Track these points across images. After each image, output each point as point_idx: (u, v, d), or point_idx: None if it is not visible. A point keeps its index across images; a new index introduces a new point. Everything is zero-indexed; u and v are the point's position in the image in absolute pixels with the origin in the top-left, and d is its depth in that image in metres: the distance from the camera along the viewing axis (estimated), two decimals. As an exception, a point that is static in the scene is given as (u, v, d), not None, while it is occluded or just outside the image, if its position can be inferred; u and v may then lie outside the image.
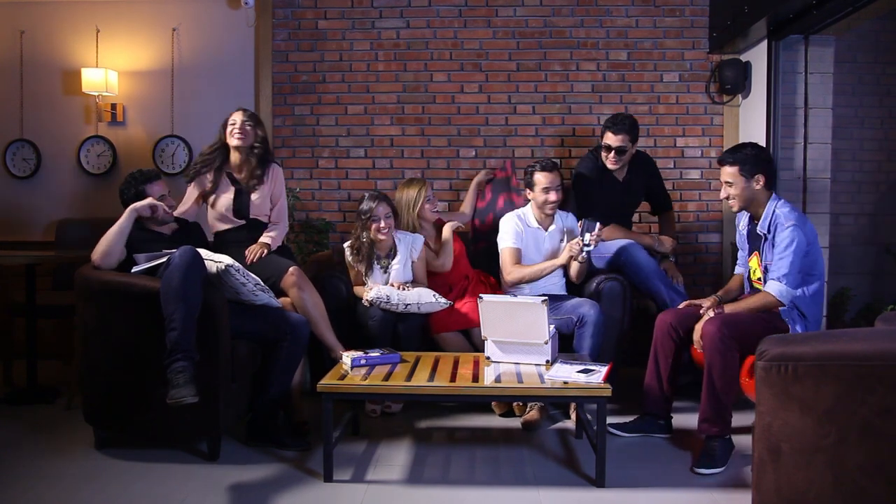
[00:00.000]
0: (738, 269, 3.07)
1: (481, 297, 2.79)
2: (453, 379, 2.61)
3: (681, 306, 2.99)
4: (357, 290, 3.39)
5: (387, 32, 4.26)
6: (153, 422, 2.70)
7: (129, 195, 2.93)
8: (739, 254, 3.05)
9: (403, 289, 3.25)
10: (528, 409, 3.12)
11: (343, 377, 2.64)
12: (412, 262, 3.38)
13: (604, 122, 3.58)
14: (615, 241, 3.48)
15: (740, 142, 3.27)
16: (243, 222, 3.20)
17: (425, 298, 3.23)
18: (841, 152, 3.89)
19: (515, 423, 3.15)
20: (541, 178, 3.32)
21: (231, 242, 3.17)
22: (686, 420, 3.05)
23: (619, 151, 3.48)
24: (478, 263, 3.68)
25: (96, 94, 4.23)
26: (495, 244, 3.46)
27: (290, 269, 3.01)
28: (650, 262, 3.41)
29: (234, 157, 3.21)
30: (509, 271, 3.34)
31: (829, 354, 1.79)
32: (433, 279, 3.46)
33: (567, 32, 4.24)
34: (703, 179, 4.24)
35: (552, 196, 3.31)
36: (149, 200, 2.88)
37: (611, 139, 3.48)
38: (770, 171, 2.80)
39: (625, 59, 4.23)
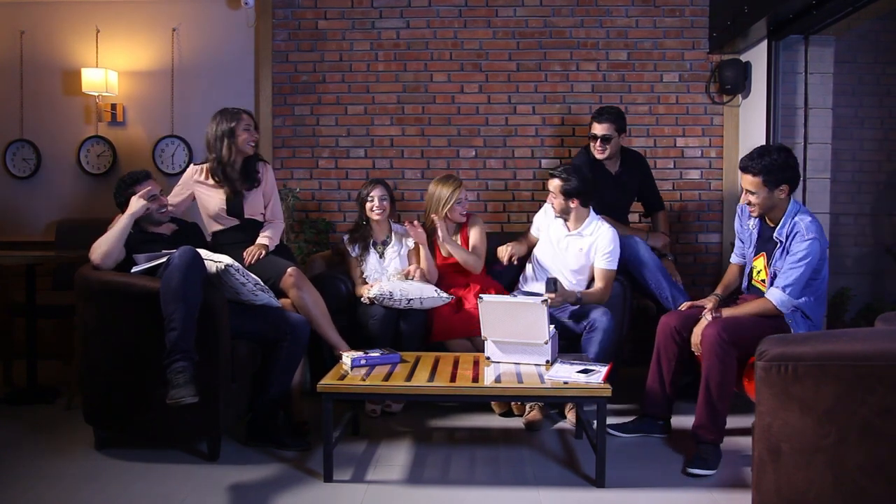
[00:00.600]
0: (735, 259, 3.03)
1: (481, 298, 2.80)
2: (453, 379, 2.61)
3: (683, 307, 2.98)
4: (358, 290, 3.40)
5: (387, 32, 4.26)
6: (153, 422, 2.70)
7: (122, 200, 2.93)
8: (739, 245, 3.00)
9: (409, 276, 3.33)
10: (528, 410, 3.12)
11: (343, 377, 2.64)
12: (407, 250, 3.49)
13: (592, 114, 3.66)
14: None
15: (763, 144, 3.09)
16: (238, 222, 3.20)
17: (427, 293, 3.25)
18: (841, 152, 3.89)
19: (515, 423, 3.15)
20: (550, 185, 3.31)
21: (228, 243, 3.16)
22: (686, 421, 3.04)
23: (605, 140, 3.56)
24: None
25: (96, 94, 4.23)
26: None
27: (289, 269, 3.01)
28: (653, 256, 3.42)
29: (235, 162, 3.20)
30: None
31: (829, 354, 1.79)
32: (452, 278, 3.48)
33: (567, 32, 4.24)
34: (703, 179, 4.24)
35: (551, 201, 3.29)
36: (142, 204, 2.87)
37: (596, 128, 3.57)
38: (795, 178, 2.70)
39: (625, 59, 4.23)
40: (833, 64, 3.65)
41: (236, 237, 3.19)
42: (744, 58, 4.07)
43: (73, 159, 4.37)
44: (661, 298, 3.38)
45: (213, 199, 3.18)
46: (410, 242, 3.49)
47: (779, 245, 2.73)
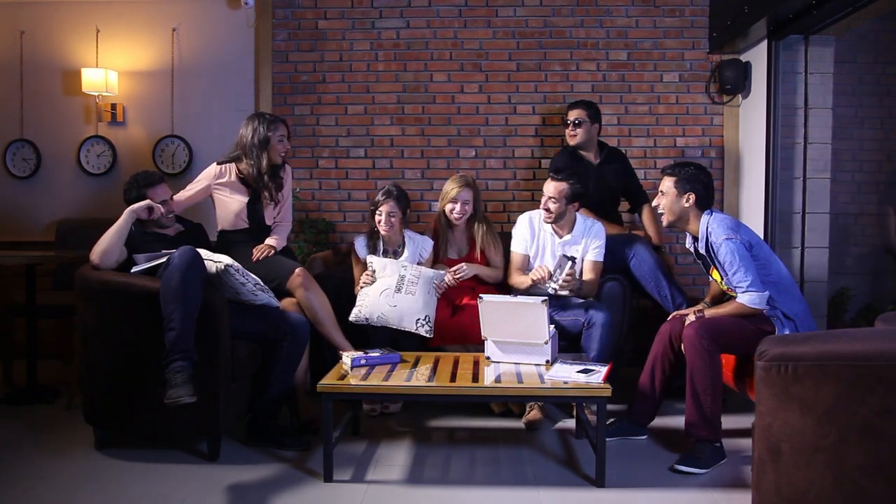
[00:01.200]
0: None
1: (481, 298, 2.79)
2: (453, 379, 2.61)
3: (678, 314, 2.98)
4: (356, 289, 3.39)
5: (387, 32, 4.26)
6: (153, 422, 2.70)
7: (132, 197, 2.93)
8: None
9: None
10: (528, 409, 3.12)
11: (343, 377, 2.64)
12: (419, 262, 3.40)
13: None
14: (610, 235, 3.52)
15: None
16: (252, 225, 3.22)
17: (406, 323, 3.16)
18: (841, 152, 3.89)
19: (515, 423, 3.15)
20: (545, 188, 3.27)
21: (237, 242, 3.19)
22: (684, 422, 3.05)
23: (576, 124, 3.73)
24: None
25: (96, 94, 4.23)
26: None
27: (297, 270, 3.04)
28: (652, 254, 3.43)
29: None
30: (509, 275, 3.40)
31: (829, 354, 1.79)
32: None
33: (567, 32, 4.24)
34: (703, 179, 4.24)
35: (549, 205, 3.24)
36: (146, 202, 2.89)
37: (569, 114, 3.78)
38: (704, 192, 2.77)
39: (625, 59, 4.23)
40: (833, 64, 3.65)
41: (245, 237, 3.21)
42: (744, 58, 4.07)
43: (73, 159, 4.37)
44: (660, 297, 3.39)
45: (233, 203, 3.19)
46: (424, 256, 3.43)
47: (708, 257, 2.79)
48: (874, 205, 4.30)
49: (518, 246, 3.37)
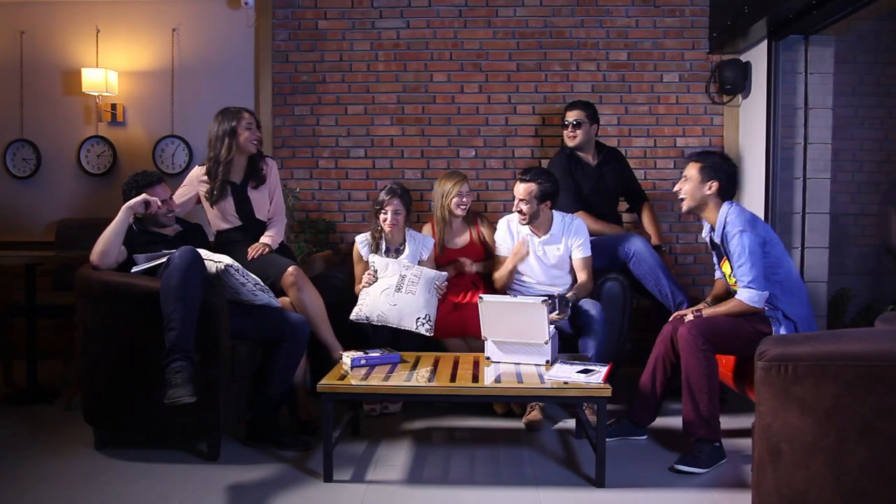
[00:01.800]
0: (717, 274, 3.07)
1: (481, 298, 2.79)
2: (453, 379, 2.61)
3: (678, 314, 2.99)
4: (357, 288, 3.40)
5: (387, 33, 4.26)
6: (153, 422, 2.70)
7: (131, 197, 2.93)
8: (714, 260, 3.03)
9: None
10: (528, 410, 3.12)
11: (343, 377, 2.64)
12: (421, 261, 3.42)
13: None
14: (608, 235, 3.51)
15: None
16: (243, 222, 3.21)
17: (406, 322, 3.19)
18: (841, 152, 3.88)
19: (515, 423, 3.15)
20: (514, 190, 3.27)
21: (234, 241, 3.19)
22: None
23: (575, 125, 3.71)
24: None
25: (96, 94, 4.23)
26: None
27: (290, 268, 3.02)
28: (652, 252, 3.43)
29: (238, 161, 3.21)
30: (493, 280, 3.43)
31: (829, 354, 1.79)
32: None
33: (567, 33, 4.24)
34: (703, 179, 4.24)
35: (521, 207, 3.23)
36: (143, 196, 2.86)
37: (568, 115, 3.76)
38: (727, 182, 2.80)
39: (625, 59, 4.23)
40: (833, 64, 3.65)
41: (241, 236, 3.20)
42: (744, 58, 4.07)
43: (73, 159, 4.37)
44: (661, 296, 3.39)
45: (222, 204, 3.19)
46: (425, 254, 3.46)
47: (721, 246, 2.80)
48: (874, 205, 4.29)
49: (501, 250, 3.42)
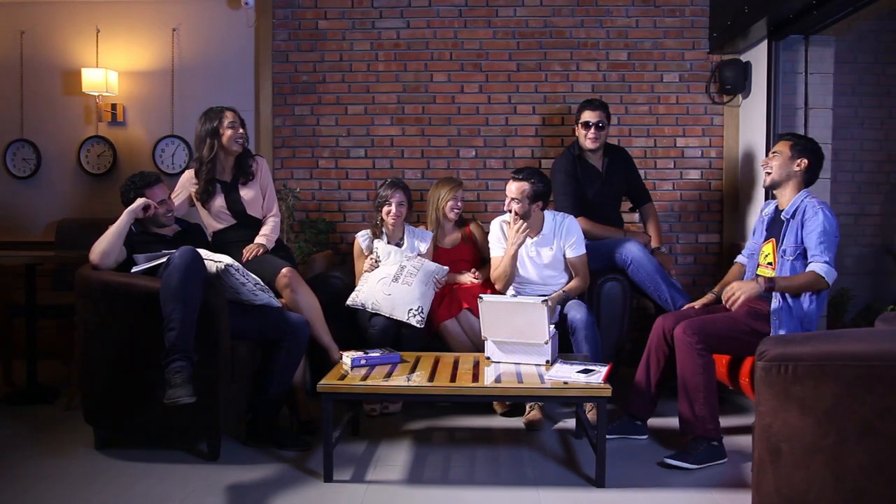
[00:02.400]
0: (740, 258, 3.07)
1: (481, 298, 2.79)
2: (453, 379, 2.61)
3: (684, 308, 3.00)
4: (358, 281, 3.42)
5: (387, 32, 4.26)
6: (153, 422, 2.70)
7: (129, 198, 2.92)
8: (750, 242, 3.02)
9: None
10: (528, 409, 3.12)
11: (343, 377, 2.64)
12: (418, 254, 3.47)
13: (579, 106, 3.68)
14: (605, 241, 3.50)
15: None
16: (237, 220, 3.21)
17: (398, 313, 3.21)
18: (841, 152, 3.88)
19: (515, 423, 3.15)
20: (507, 189, 3.24)
21: (231, 242, 3.18)
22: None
23: (598, 126, 3.58)
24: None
25: (96, 94, 4.23)
26: None
27: (283, 270, 3.01)
28: (649, 258, 3.42)
29: (225, 160, 3.21)
30: (493, 280, 3.38)
31: (829, 354, 1.79)
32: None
33: (567, 32, 4.24)
34: (704, 179, 4.24)
35: (512, 206, 3.19)
36: (143, 200, 2.86)
37: (589, 116, 3.59)
38: (815, 161, 2.79)
39: (625, 59, 4.23)
40: (833, 64, 3.65)
41: (237, 235, 3.20)
42: (744, 58, 4.07)
43: (73, 159, 4.37)
44: (660, 301, 3.38)
45: (213, 203, 3.19)
46: (423, 247, 3.49)
47: (786, 224, 2.76)
48: (874, 205, 4.29)
49: (496, 250, 3.37)
